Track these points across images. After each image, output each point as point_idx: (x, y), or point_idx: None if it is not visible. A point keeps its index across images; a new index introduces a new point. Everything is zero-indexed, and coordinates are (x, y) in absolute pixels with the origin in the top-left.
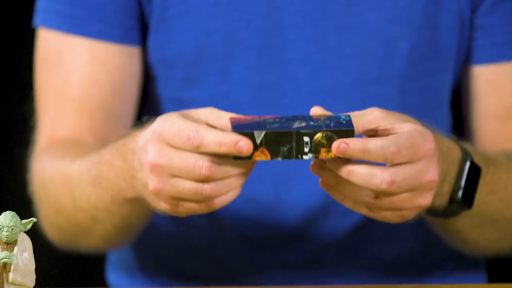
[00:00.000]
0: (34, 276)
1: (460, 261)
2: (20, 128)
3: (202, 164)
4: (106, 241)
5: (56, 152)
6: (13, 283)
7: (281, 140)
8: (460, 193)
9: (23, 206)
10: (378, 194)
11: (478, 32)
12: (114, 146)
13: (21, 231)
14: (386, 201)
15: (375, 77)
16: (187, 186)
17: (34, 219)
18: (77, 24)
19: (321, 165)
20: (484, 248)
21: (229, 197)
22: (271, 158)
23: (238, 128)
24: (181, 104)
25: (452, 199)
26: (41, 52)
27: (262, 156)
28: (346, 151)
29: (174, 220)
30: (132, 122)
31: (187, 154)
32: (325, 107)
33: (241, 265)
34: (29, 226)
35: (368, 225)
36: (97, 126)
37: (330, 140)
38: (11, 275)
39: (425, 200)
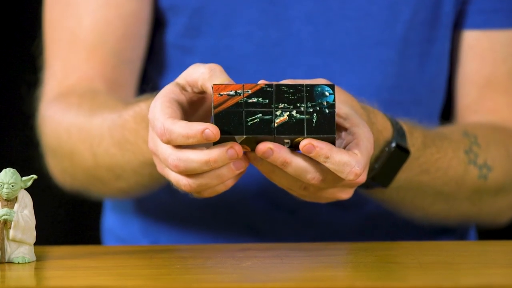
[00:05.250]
0: (35, 233)
1: (444, 233)
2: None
3: (171, 162)
4: (123, 193)
5: (71, 103)
6: (13, 240)
7: (261, 140)
8: (371, 173)
9: (24, 163)
10: (308, 186)
11: None
12: (137, 113)
13: (21, 188)
14: (312, 192)
15: (376, 40)
16: (172, 176)
17: (34, 176)
18: None
19: (255, 156)
20: (425, 219)
21: (218, 190)
22: (251, 151)
23: (218, 119)
24: (184, 51)
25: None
26: None
27: (244, 149)
28: (311, 151)
29: None
30: (140, 68)
31: (163, 147)
32: (326, 68)
33: (232, 213)
34: (29, 183)
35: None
36: (108, 71)
37: None
38: (11, 232)
39: (346, 195)
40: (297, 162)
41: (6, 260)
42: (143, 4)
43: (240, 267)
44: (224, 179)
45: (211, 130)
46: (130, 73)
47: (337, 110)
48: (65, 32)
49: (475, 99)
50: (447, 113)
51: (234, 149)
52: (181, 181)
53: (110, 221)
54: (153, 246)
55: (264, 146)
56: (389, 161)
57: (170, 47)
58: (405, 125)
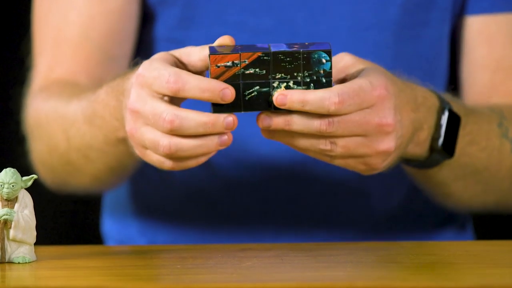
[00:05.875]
0: (35, 233)
1: (447, 223)
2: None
3: (166, 117)
4: (97, 181)
5: (52, 92)
6: (13, 240)
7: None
8: (440, 141)
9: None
10: (333, 140)
11: None
12: (109, 85)
13: (21, 188)
14: (340, 146)
15: (370, 23)
16: (150, 136)
17: (35, 176)
18: None
19: (270, 129)
20: (468, 202)
21: (188, 164)
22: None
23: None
24: (176, 44)
25: (432, 148)
26: None
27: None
28: (284, 102)
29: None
30: (128, 64)
31: (157, 104)
32: None
33: (229, 207)
34: (29, 183)
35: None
36: (93, 68)
37: None
38: (11, 232)
39: (385, 145)
40: (298, 116)
41: (7, 260)
42: (128, 0)
43: (240, 267)
44: (205, 150)
45: (230, 90)
46: (116, 69)
47: (353, 69)
48: (51, 29)
49: (487, 84)
50: None
51: (232, 117)
52: (161, 141)
53: (108, 225)
54: (153, 246)
55: (261, 115)
56: (448, 127)
57: (162, 41)
58: (445, 95)
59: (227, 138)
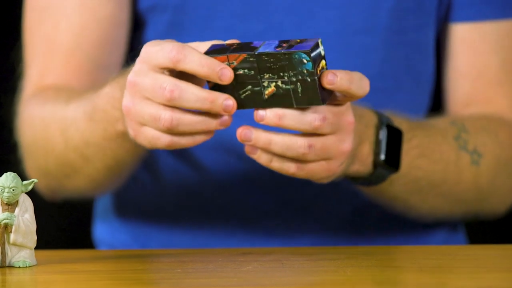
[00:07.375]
0: (35, 237)
1: (438, 224)
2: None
3: (166, 86)
4: (93, 182)
5: (48, 97)
6: (14, 244)
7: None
8: (382, 156)
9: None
10: (311, 142)
11: None
12: (115, 80)
13: (22, 192)
14: (318, 147)
15: (359, 28)
16: (150, 110)
17: (35, 180)
18: None
19: (248, 128)
20: (429, 214)
21: (185, 143)
22: None
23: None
24: None
25: (375, 163)
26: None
27: None
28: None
29: (149, 168)
30: (118, 72)
31: (158, 75)
32: None
33: (221, 210)
34: (30, 187)
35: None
36: (83, 76)
37: None
38: (12, 236)
39: (347, 145)
40: (290, 112)
41: (7, 264)
42: (119, 7)
43: (241, 271)
44: (205, 127)
45: (229, 71)
46: (106, 78)
47: None
48: (42, 37)
49: (468, 92)
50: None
51: (232, 101)
52: (162, 114)
53: (99, 231)
54: (153, 250)
55: (258, 110)
56: (389, 141)
57: None
58: (385, 112)
59: (227, 118)
